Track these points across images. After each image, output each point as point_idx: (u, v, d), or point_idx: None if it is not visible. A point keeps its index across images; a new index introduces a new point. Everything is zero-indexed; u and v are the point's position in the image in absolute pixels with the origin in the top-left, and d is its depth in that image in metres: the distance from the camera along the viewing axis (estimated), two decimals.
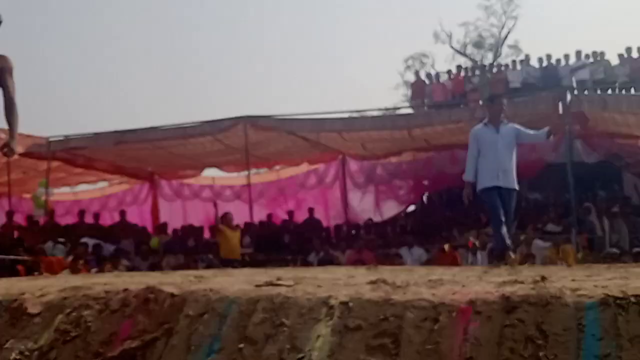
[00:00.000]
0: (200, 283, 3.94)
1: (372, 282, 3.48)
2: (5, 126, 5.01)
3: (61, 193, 18.78)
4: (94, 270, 10.83)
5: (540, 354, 2.61)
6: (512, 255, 6.69)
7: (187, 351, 3.15)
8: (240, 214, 14.74)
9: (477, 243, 12.43)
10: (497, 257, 6.89)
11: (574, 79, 16.21)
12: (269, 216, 17.49)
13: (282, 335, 3.04)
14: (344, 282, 3.81)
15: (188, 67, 51.20)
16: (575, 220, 12.13)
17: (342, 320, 3.01)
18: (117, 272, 9.58)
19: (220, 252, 12.54)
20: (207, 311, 3.29)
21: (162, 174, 18.07)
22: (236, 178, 17.90)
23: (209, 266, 11.76)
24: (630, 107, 12.55)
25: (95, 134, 15.00)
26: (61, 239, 14.12)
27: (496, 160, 7.04)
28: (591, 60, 16.47)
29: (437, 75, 19.93)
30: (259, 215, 16.63)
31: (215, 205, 13.55)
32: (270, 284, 3.55)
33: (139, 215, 18.50)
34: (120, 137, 14.51)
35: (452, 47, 33.83)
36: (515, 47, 32.86)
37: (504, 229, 6.89)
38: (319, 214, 17.25)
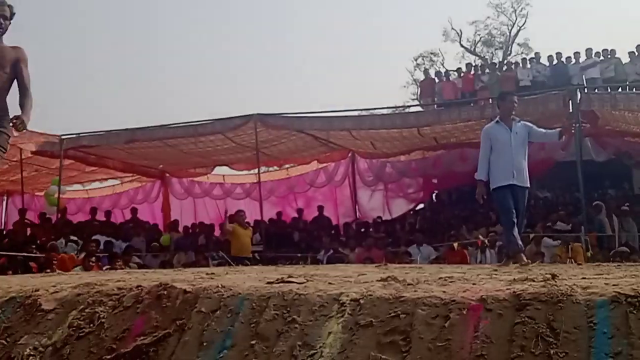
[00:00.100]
0: (212, 280, 3.96)
1: (383, 280, 3.48)
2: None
3: (73, 191, 18.91)
4: (105, 267, 10.89)
5: (551, 351, 2.61)
6: (524, 259, 6.63)
7: (200, 347, 3.17)
8: (250, 212, 14.80)
9: (486, 241, 12.40)
10: (509, 258, 6.82)
11: (584, 77, 16.11)
12: (279, 214, 17.54)
13: (294, 332, 3.06)
14: (355, 279, 3.82)
15: (199, 66, 51.34)
16: (585, 218, 12.08)
17: (353, 317, 3.02)
18: (128, 269, 9.66)
19: (232, 250, 12.59)
20: (219, 308, 3.31)
21: (173, 172, 18.15)
22: (246, 176, 17.95)
23: (220, 264, 11.81)
24: None
25: (107, 132, 15.07)
26: (73, 237, 14.21)
27: (511, 159, 6.96)
28: (601, 58, 16.37)
29: (447, 73, 19.87)
30: (269, 213, 16.67)
31: (226, 212, 13.75)
32: (281, 281, 3.57)
33: (150, 213, 18.61)
34: (132, 135, 14.58)
35: (462, 45, 33.80)
36: (525, 45, 32.82)
37: (516, 231, 6.83)
38: (328, 212, 17.28)
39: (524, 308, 2.81)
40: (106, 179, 18.83)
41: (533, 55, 18.96)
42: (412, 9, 49.20)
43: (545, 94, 13.03)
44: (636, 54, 16.14)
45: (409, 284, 3.34)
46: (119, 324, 3.44)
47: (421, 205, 17.62)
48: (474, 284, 3.38)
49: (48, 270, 9.41)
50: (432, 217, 16.33)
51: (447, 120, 13.70)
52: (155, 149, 15.37)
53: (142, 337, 3.30)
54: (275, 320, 3.15)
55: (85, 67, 51.45)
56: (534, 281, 3.26)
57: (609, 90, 14.56)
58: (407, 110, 23.31)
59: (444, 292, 3.08)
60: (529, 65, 17.59)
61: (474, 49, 33.86)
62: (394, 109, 21.60)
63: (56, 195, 15.42)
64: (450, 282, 3.52)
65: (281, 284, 3.48)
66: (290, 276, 3.72)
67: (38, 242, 13.83)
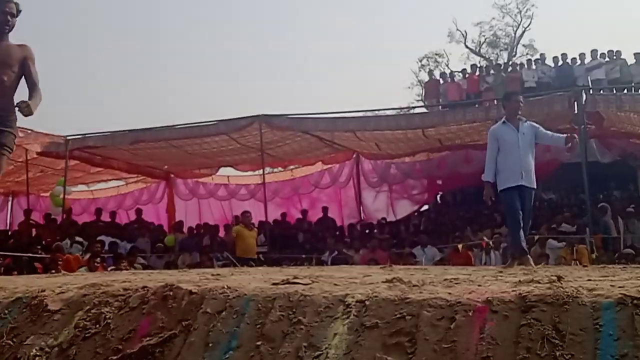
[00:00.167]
0: (217, 281, 3.97)
1: (388, 281, 3.48)
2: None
3: (78, 191, 18.96)
4: (110, 268, 10.92)
5: (557, 353, 2.60)
6: (531, 262, 6.58)
7: (205, 348, 3.17)
8: (255, 213, 14.82)
9: (491, 243, 12.39)
10: (514, 259, 6.78)
11: (589, 78, 16.10)
12: (284, 215, 17.55)
13: (299, 333, 3.06)
14: (360, 280, 3.82)
15: (201, 64, 51.40)
16: (590, 220, 12.05)
17: (359, 318, 3.02)
18: (133, 270, 9.67)
19: (237, 251, 12.61)
20: (225, 309, 3.31)
21: (178, 173, 18.19)
22: (251, 177, 17.98)
23: (225, 265, 11.83)
24: None
25: (112, 132, 15.11)
26: (78, 237, 14.24)
27: (519, 159, 6.89)
28: (607, 59, 16.35)
29: (452, 74, 19.88)
30: (274, 214, 16.70)
31: (235, 216, 13.83)
32: (287, 282, 3.58)
33: (155, 214, 18.65)
34: (137, 136, 14.62)
35: (467, 46, 33.80)
36: (530, 46, 32.79)
37: (522, 234, 6.78)
38: (333, 213, 17.29)
39: (530, 310, 2.81)
40: (111, 180, 18.89)
41: (538, 57, 18.97)
42: (414, 7, 49.21)
43: (550, 95, 13.02)
44: None
45: (414, 286, 3.34)
46: (125, 324, 3.44)
47: (426, 207, 17.63)
48: (479, 285, 3.38)
49: (53, 271, 9.45)
50: (437, 218, 16.33)
51: (451, 121, 13.70)
52: (160, 150, 15.41)
53: (148, 338, 3.31)
54: (281, 321, 3.15)
55: (87, 65, 51.67)
56: (539, 283, 3.25)
57: (615, 91, 14.55)
58: (411, 111, 23.32)
59: (450, 293, 3.08)
60: (534, 67, 17.59)
61: (479, 50, 33.86)
62: (399, 110, 21.59)
63: (61, 196, 15.47)
64: (456, 283, 3.51)
65: (287, 285, 3.48)
66: (295, 277, 3.73)
67: (43, 242, 13.86)
